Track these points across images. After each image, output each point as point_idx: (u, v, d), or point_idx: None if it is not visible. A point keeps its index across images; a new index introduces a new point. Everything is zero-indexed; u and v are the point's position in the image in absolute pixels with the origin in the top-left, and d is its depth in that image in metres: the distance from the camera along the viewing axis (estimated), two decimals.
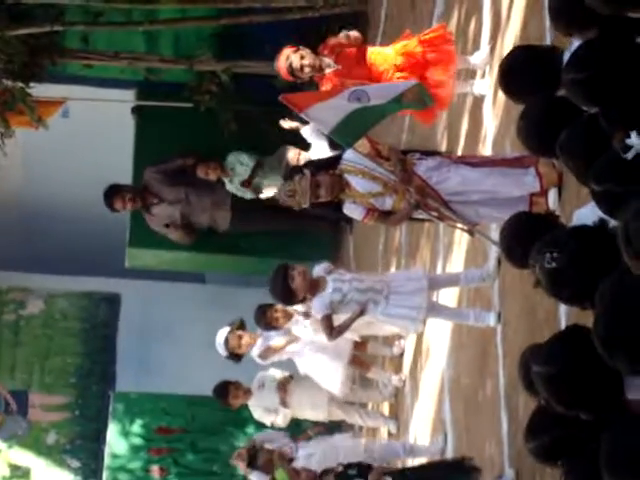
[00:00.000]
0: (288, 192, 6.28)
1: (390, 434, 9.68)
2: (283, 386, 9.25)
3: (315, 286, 6.98)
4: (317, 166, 6.36)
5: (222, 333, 8.91)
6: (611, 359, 3.17)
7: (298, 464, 8.04)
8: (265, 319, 8.57)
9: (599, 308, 3.31)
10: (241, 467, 8.60)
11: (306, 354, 8.78)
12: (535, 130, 4.59)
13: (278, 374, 9.36)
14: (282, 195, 6.33)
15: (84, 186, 14.58)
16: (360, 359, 9.32)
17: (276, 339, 8.86)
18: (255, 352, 8.92)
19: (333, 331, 6.97)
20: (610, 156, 3.69)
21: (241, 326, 8.97)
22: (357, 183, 6.25)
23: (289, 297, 7.00)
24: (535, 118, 4.60)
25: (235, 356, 8.92)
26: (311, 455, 8.23)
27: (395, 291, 6.97)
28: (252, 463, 8.42)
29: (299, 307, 8.13)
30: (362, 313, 6.95)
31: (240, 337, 8.88)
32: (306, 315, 7.91)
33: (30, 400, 14.74)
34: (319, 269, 7.14)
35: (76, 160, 14.64)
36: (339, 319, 7.02)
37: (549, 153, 4.75)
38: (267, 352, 8.86)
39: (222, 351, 8.91)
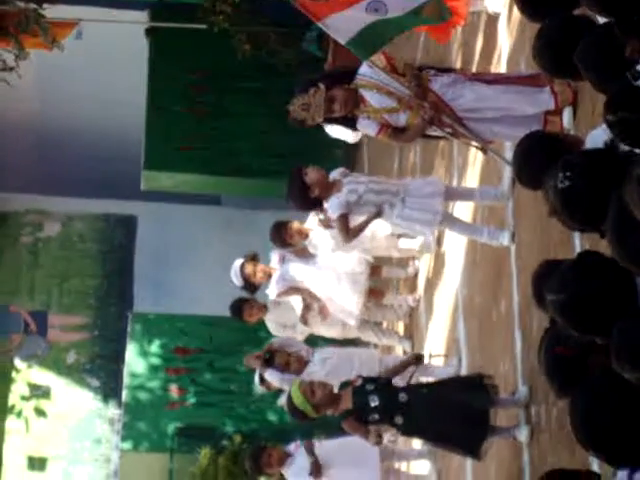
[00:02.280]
0: (302, 105, 6.23)
1: (405, 353, 9.75)
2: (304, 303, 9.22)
3: (331, 188, 6.91)
4: (332, 80, 6.29)
5: (237, 263, 8.91)
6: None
7: (314, 368, 8.06)
8: (281, 236, 8.56)
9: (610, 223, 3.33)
10: (256, 365, 8.57)
11: (321, 287, 8.73)
12: (551, 51, 4.56)
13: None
14: (296, 108, 6.28)
15: (99, 108, 14.59)
16: (375, 290, 9.31)
17: (292, 274, 8.77)
18: (272, 293, 8.87)
19: (349, 232, 6.95)
20: (623, 83, 3.68)
21: (254, 258, 8.95)
22: (372, 98, 6.20)
23: (305, 194, 6.90)
24: (551, 38, 4.57)
25: (250, 286, 8.90)
26: (326, 359, 8.26)
27: (412, 194, 6.91)
28: (269, 362, 8.45)
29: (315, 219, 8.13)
30: (378, 215, 6.90)
31: (255, 267, 8.86)
32: (324, 224, 7.83)
33: (49, 321, 14.92)
34: (335, 173, 7.09)
35: (91, 82, 14.61)
36: (355, 221, 6.99)
37: (565, 73, 4.73)
38: (286, 293, 8.81)
39: (237, 281, 8.87)
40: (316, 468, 7.77)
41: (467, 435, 6.01)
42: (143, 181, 13.71)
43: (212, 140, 13.74)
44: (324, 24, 5.88)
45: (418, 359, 6.65)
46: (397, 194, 6.90)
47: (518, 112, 6.09)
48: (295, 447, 7.95)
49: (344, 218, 6.90)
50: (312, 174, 6.89)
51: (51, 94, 14.85)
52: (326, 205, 6.96)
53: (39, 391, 14.67)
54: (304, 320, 9.15)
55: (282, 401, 8.62)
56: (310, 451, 7.72)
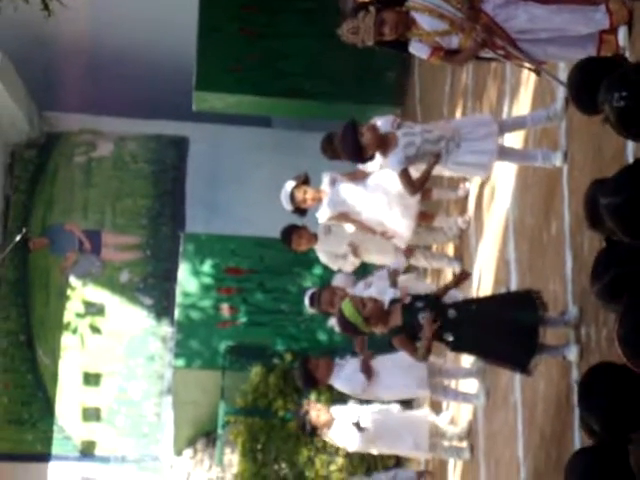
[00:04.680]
0: (352, 29, 6.21)
1: (455, 274, 9.78)
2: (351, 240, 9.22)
3: (385, 142, 6.89)
4: (383, 2, 6.26)
5: (287, 187, 8.89)
6: None
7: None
8: (332, 147, 8.55)
9: None
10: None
11: (372, 212, 8.72)
12: None
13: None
14: (345, 32, 6.26)
15: (151, 29, 14.60)
16: (426, 213, 9.30)
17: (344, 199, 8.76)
18: (322, 217, 8.87)
19: (414, 185, 6.97)
20: None
21: (306, 180, 8.91)
22: (423, 21, 6.17)
23: (360, 154, 6.91)
24: None
25: (300, 210, 8.88)
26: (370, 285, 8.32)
27: (466, 138, 6.88)
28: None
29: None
30: (437, 162, 6.90)
31: (305, 192, 8.84)
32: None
33: (103, 239, 15.12)
34: (385, 123, 7.01)
35: (142, 2, 14.61)
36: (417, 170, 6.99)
37: None
38: (337, 218, 8.81)
39: (287, 205, 8.82)
40: (367, 367, 7.88)
41: (516, 350, 6.07)
42: (194, 102, 13.75)
43: (263, 61, 13.72)
44: None
45: (466, 276, 6.70)
46: (452, 139, 6.88)
47: (572, 32, 6.02)
48: (343, 360, 8.08)
49: (406, 173, 6.91)
50: (368, 135, 6.86)
51: (103, 15, 14.89)
52: (385, 161, 6.97)
53: (94, 309, 14.93)
54: (354, 251, 9.16)
55: (332, 322, 8.72)
56: (361, 349, 7.83)
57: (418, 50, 6.30)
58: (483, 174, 7.30)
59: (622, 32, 5.92)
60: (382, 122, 7.05)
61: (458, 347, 6.29)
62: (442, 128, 7.09)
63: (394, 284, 7.30)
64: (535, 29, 6.12)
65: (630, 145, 5.57)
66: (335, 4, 12.15)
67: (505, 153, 7.15)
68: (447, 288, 6.46)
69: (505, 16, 6.12)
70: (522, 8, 6.12)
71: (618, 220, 3.50)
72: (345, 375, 7.96)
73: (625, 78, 3.70)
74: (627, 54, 5.86)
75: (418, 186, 7.03)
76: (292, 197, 8.78)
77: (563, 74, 6.64)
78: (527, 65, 6.44)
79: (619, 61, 5.25)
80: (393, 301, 6.34)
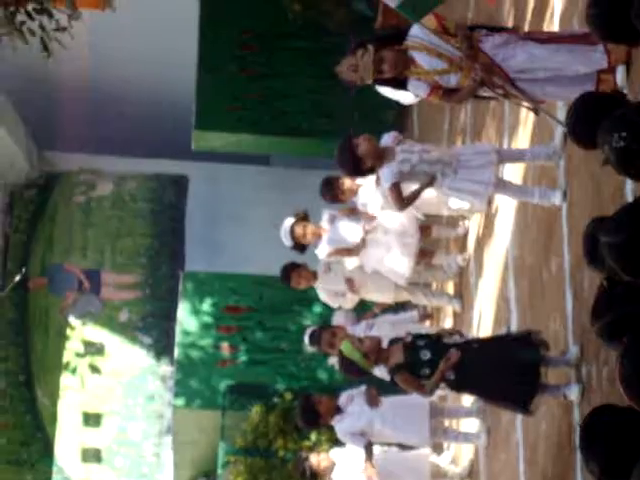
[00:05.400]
0: (351, 67, 6.23)
1: (455, 313, 9.79)
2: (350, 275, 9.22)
3: (383, 155, 6.88)
4: (382, 41, 6.28)
5: (286, 223, 8.90)
6: None
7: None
8: (331, 191, 8.57)
9: None
10: None
11: (372, 249, 8.72)
12: (605, 18, 4.54)
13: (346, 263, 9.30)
14: (344, 70, 6.27)
15: (151, 68, 14.66)
16: (425, 251, 9.30)
17: (345, 232, 8.76)
18: (322, 253, 8.86)
19: (402, 200, 6.94)
20: None
21: (305, 217, 8.93)
22: (422, 59, 6.19)
23: (357, 165, 6.87)
24: (605, 6, 4.55)
25: (300, 246, 8.88)
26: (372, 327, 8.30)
27: (464, 165, 6.89)
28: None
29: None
30: (430, 184, 6.91)
31: (305, 227, 8.85)
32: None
33: (102, 279, 15.10)
34: (388, 138, 7.02)
35: (142, 42, 14.67)
36: (408, 189, 6.98)
37: (619, 39, 4.70)
38: (337, 253, 8.81)
39: (287, 241, 8.84)
40: (373, 397, 7.84)
41: (518, 390, 6.05)
42: (194, 141, 13.79)
43: (262, 100, 13.78)
44: None
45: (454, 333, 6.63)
46: (449, 164, 6.88)
47: (571, 72, 6.05)
48: (346, 398, 8.03)
49: (397, 187, 6.89)
50: (364, 145, 6.85)
51: (104, 54, 14.94)
52: (379, 173, 6.95)
53: (93, 348, 14.88)
54: (350, 287, 9.15)
55: (333, 360, 8.69)
56: (374, 403, 7.80)
57: (417, 88, 6.33)
58: (479, 204, 7.25)
59: (620, 72, 5.95)
60: (385, 137, 7.08)
61: (459, 386, 6.27)
62: (441, 151, 7.12)
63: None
64: (534, 68, 6.15)
65: (629, 184, 5.58)
66: (332, 44, 12.21)
67: (503, 186, 7.14)
68: (443, 369, 6.27)
69: (504, 55, 6.14)
70: (521, 47, 6.14)
71: (618, 259, 3.50)
72: (349, 415, 7.91)
73: (624, 119, 3.71)
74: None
75: (406, 203, 7.01)
76: (292, 232, 8.79)
77: (561, 113, 6.66)
78: (526, 104, 6.47)
79: (618, 97, 5.27)
80: (393, 341, 6.33)
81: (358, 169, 6.99)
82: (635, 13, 4.15)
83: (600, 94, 5.59)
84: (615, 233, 3.49)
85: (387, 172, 6.88)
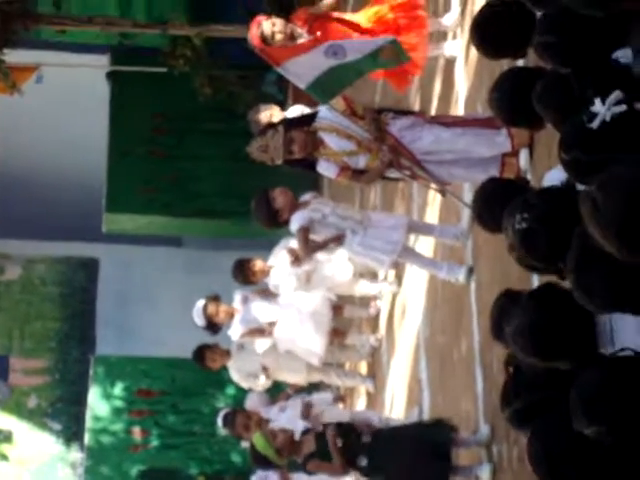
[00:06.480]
0: (261, 147, 6.30)
1: (369, 393, 9.79)
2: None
3: (298, 206, 7.14)
4: (291, 123, 6.37)
5: (199, 304, 8.90)
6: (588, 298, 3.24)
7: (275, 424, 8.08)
8: (243, 273, 8.61)
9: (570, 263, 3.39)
10: None
11: (285, 329, 8.74)
12: (507, 102, 4.64)
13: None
14: (254, 150, 6.35)
15: (60, 152, 14.59)
16: (338, 330, 9.36)
17: (257, 312, 8.79)
18: (235, 334, 8.86)
19: (308, 246, 7.07)
20: (576, 124, 3.75)
21: (216, 299, 8.94)
22: (331, 141, 6.30)
23: (274, 218, 7.09)
24: (507, 91, 4.66)
25: (212, 326, 8.87)
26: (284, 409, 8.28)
27: (374, 224, 7.11)
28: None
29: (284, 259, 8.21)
30: (339, 239, 7.06)
31: (218, 305, 8.85)
32: (292, 256, 7.98)
33: (11, 364, 14.82)
34: (306, 196, 7.34)
35: (52, 126, 14.63)
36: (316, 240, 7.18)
37: (522, 123, 4.81)
38: (250, 334, 8.81)
39: (200, 321, 8.82)
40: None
41: (431, 471, 6.06)
42: (105, 224, 13.72)
43: (173, 182, 13.79)
44: (284, 69, 5.95)
45: None
46: (360, 222, 7.11)
47: (476, 154, 6.18)
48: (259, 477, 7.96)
49: (305, 232, 7.09)
50: (280, 198, 7.08)
51: (12, 138, 14.84)
52: (291, 218, 7.12)
53: (1, 436, 14.55)
54: (266, 374, 9.14)
55: (246, 443, 8.61)
56: None
57: (326, 169, 6.42)
58: (385, 264, 7.27)
59: (524, 155, 6.08)
60: (304, 195, 7.35)
61: (372, 472, 6.25)
62: (353, 211, 7.37)
63: (306, 416, 7.31)
64: (440, 151, 6.27)
65: None
66: (243, 126, 12.28)
67: (411, 253, 7.33)
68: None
69: (411, 137, 6.25)
70: (427, 130, 6.26)
71: (527, 344, 3.54)
72: None
73: (526, 202, 3.78)
74: (529, 176, 6.00)
75: (311, 249, 7.20)
76: (204, 311, 8.78)
77: (468, 195, 6.77)
78: (433, 186, 6.57)
79: (522, 184, 5.37)
80: (304, 431, 6.33)
81: (275, 221, 7.20)
82: (536, 97, 4.26)
83: (504, 181, 5.70)
84: (518, 318, 3.53)
85: (298, 216, 7.11)
